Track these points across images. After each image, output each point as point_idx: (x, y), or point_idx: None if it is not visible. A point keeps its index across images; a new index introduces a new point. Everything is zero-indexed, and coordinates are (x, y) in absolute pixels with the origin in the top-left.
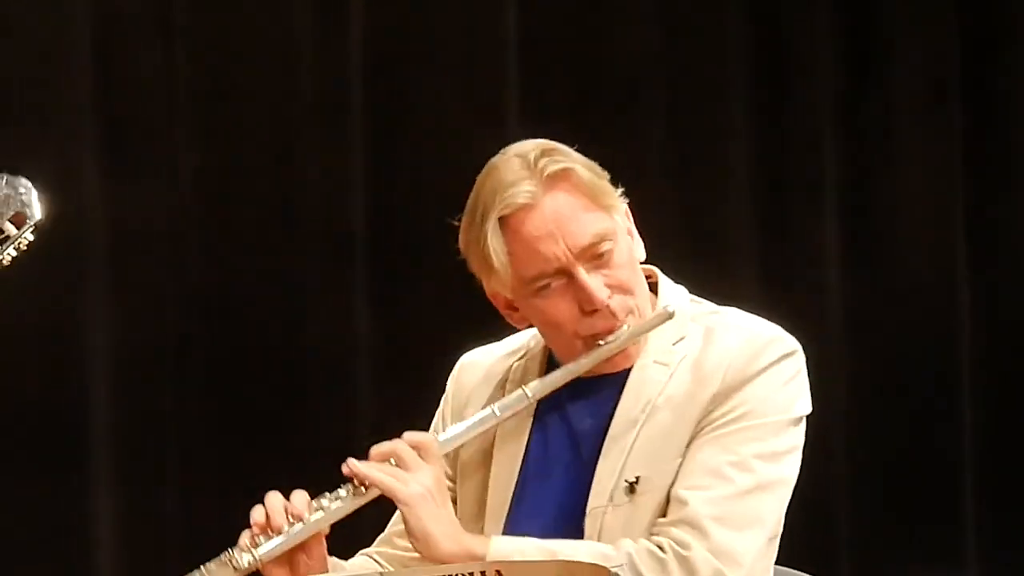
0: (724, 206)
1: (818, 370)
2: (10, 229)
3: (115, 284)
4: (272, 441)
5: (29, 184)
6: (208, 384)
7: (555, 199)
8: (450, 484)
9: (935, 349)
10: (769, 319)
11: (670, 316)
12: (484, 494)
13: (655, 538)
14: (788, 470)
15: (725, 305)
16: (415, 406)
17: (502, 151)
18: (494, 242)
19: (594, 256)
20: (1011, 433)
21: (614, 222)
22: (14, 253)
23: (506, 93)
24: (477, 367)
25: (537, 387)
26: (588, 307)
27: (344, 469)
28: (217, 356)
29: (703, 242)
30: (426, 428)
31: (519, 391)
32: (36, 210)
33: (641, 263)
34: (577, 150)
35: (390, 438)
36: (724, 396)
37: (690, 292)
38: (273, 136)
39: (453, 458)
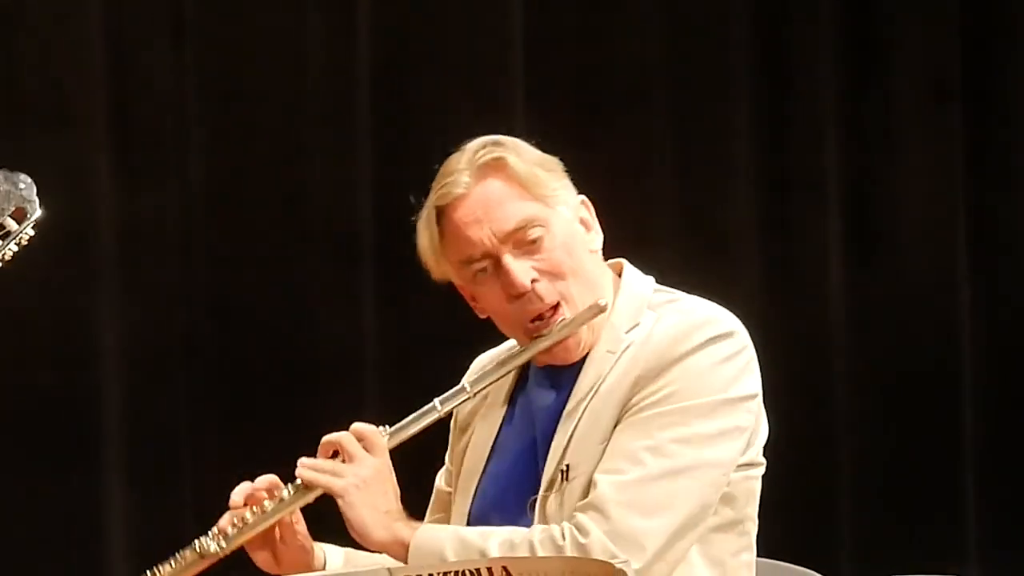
0: (727, 205)
1: (820, 367)
2: (11, 224)
3: (126, 283)
4: (280, 438)
5: (29, 180)
6: (217, 382)
7: (485, 187)
8: (452, 469)
9: (936, 347)
10: (772, 317)
11: (601, 310)
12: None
13: (564, 523)
14: (717, 453)
15: (729, 302)
16: (420, 403)
17: (460, 147)
18: (424, 230)
19: (521, 241)
20: (1012, 431)
21: (549, 210)
22: (15, 248)
23: (512, 94)
24: (484, 364)
25: (476, 380)
26: (512, 291)
27: (296, 474)
28: (226, 354)
29: (706, 240)
30: (433, 425)
31: (460, 384)
32: (36, 205)
33: (611, 260)
34: (583, 149)
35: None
36: (648, 379)
37: (694, 289)
38: (281, 138)
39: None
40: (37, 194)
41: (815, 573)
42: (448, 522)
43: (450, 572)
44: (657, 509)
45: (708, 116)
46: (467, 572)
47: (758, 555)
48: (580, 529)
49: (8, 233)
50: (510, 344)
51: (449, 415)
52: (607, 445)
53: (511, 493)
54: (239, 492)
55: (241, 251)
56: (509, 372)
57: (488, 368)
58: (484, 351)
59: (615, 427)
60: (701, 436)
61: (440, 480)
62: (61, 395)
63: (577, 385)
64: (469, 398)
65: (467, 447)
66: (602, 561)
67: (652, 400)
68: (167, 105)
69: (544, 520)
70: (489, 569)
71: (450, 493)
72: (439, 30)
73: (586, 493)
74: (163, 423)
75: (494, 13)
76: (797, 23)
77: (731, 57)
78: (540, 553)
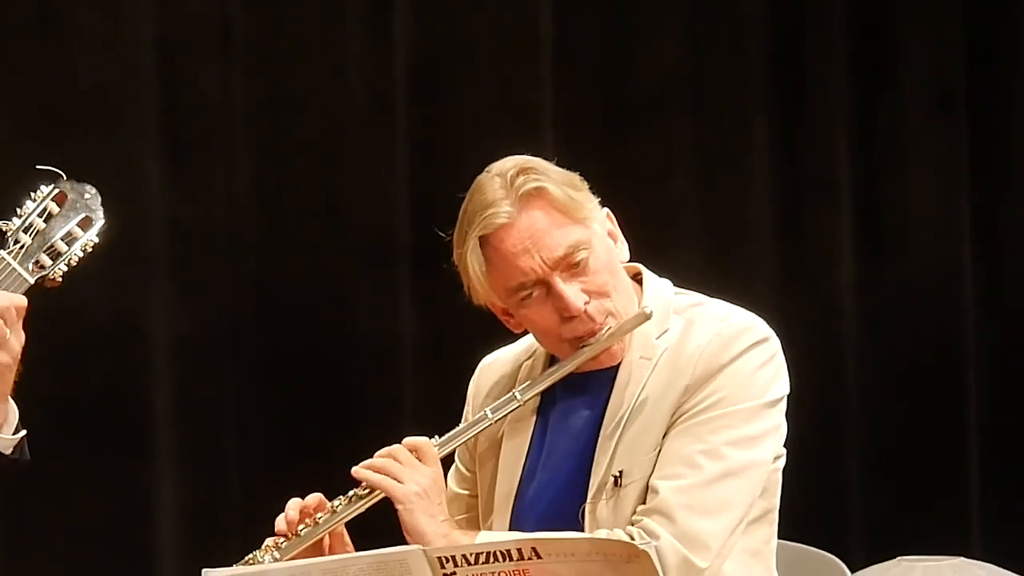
0: (745, 208)
1: (832, 359)
2: (77, 232)
3: (176, 280)
4: (322, 427)
5: (94, 191)
6: (263, 374)
7: (530, 217)
8: (469, 475)
9: (941, 339)
10: (788, 311)
11: (647, 317)
12: (495, 485)
13: (629, 528)
14: (762, 453)
15: (748, 299)
16: (453, 395)
17: (487, 169)
18: (473, 260)
19: (570, 265)
20: (1014, 418)
21: (589, 231)
22: (80, 254)
23: (541, 102)
24: (494, 368)
25: (526, 390)
26: (566, 314)
27: (353, 473)
28: (271, 348)
29: (726, 241)
30: (460, 415)
31: (510, 394)
32: (100, 214)
33: (627, 262)
34: (608, 156)
35: (428, 425)
36: (696, 387)
37: (715, 287)
38: (322, 143)
39: (471, 451)
40: (101, 204)
41: (828, 554)
42: (474, 523)
43: (482, 553)
44: (718, 509)
45: (728, 124)
46: (499, 553)
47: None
48: (649, 533)
49: (75, 240)
50: (526, 344)
51: (463, 400)
52: (659, 452)
53: (560, 502)
54: (293, 508)
55: (285, 250)
56: (559, 380)
57: (536, 376)
58: (510, 342)
59: (665, 434)
60: (748, 438)
61: (451, 482)
62: (115, 386)
63: (615, 392)
64: (520, 406)
65: (495, 468)
66: (627, 543)
67: (702, 407)
68: (215, 111)
69: (596, 526)
70: (519, 550)
71: (461, 494)
72: (472, 41)
73: (641, 499)
74: (211, 413)
75: (524, 26)
76: (811, 38)
77: (749, 69)
78: None
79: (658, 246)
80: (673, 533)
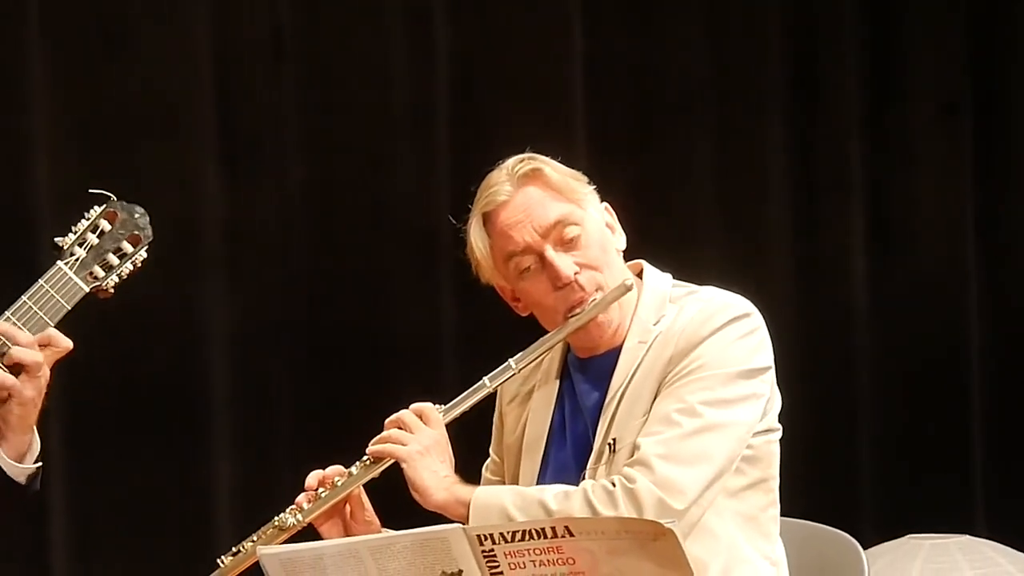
0: (763, 207)
1: (844, 350)
2: (127, 248)
3: (231, 275)
4: (368, 416)
5: (142, 210)
6: (312, 364)
7: (526, 193)
8: (500, 461)
9: (947, 331)
10: (802, 305)
11: (628, 289)
12: (519, 466)
13: (612, 477)
14: (738, 416)
15: (765, 293)
16: None
17: (496, 165)
18: (476, 236)
19: (560, 239)
20: (1014, 407)
21: (583, 211)
22: (130, 268)
23: (572, 107)
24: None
25: (519, 358)
26: (557, 283)
27: (367, 451)
28: (320, 340)
29: (744, 238)
30: (483, 403)
31: (506, 363)
32: (149, 232)
33: (630, 261)
34: (635, 159)
35: (468, 415)
36: (679, 357)
37: (730, 283)
38: (368, 146)
39: (499, 440)
40: (149, 222)
41: (841, 532)
42: None
43: (519, 531)
44: (694, 460)
45: (747, 128)
46: (534, 531)
47: (791, 516)
48: (627, 478)
49: (125, 255)
50: None
51: (494, 394)
52: (646, 418)
53: (571, 469)
54: (312, 476)
55: (333, 247)
56: (550, 349)
57: (531, 346)
58: (540, 337)
59: (653, 402)
60: (725, 399)
61: (487, 472)
62: (175, 377)
63: (615, 374)
64: (515, 374)
65: (527, 419)
66: (654, 521)
67: (682, 373)
68: (267, 116)
69: None
70: (553, 529)
71: (494, 481)
72: (509, 51)
73: (631, 457)
74: (264, 401)
75: (557, 37)
76: (825, 49)
77: (767, 76)
78: (592, 498)
79: (680, 242)
80: (651, 479)
